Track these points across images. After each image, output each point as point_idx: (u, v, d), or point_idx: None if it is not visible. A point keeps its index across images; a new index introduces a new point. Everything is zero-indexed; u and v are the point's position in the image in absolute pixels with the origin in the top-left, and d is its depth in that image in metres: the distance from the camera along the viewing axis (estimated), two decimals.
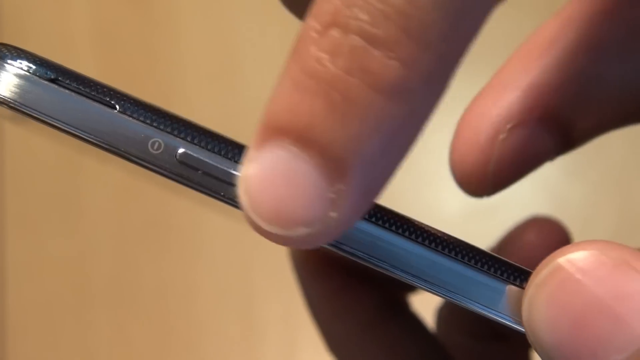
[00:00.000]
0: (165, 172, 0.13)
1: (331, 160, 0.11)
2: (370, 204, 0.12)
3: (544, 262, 0.12)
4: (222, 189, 0.13)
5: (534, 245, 0.21)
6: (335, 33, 0.11)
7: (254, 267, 0.46)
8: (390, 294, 0.21)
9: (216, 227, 0.46)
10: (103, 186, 0.47)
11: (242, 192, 0.12)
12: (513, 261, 0.14)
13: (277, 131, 0.11)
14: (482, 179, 0.19)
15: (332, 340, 0.21)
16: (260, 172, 0.11)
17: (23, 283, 0.47)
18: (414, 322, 0.22)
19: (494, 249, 0.22)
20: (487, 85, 0.20)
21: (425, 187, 0.46)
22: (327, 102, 0.11)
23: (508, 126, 0.19)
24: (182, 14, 0.49)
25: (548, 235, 0.22)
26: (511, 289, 0.13)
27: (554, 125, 0.19)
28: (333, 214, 0.11)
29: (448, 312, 0.23)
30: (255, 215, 0.12)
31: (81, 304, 0.47)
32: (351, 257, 0.13)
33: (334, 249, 0.13)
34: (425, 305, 0.22)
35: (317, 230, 0.11)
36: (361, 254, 0.13)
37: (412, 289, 0.22)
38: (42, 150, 0.48)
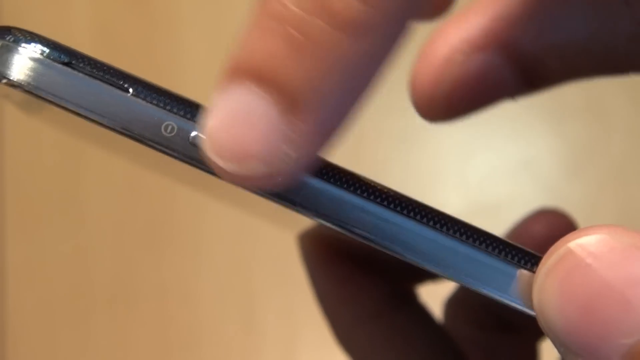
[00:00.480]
0: (178, 155, 0.13)
1: (288, 96, 0.11)
2: (327, 143, 0.12)
3: (555, 246, 0.12)
4: None
5: (541, 237, 0.21)
6: None
7: (254, 266, 0.46)
8: (398, 285, 0.21)
9: (216, 228, 0.46)
10: (103, 187, 0.47)
11: (205, 135, 0.12)
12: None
13: (238, 72, 0.12)
14: (435, 99, 0.19)
15: (339, 330, 0.21)
16: (221, 113, 0.12)
17: (23, 283, 0.47)
18: (422, 313, 0.22)
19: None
20: (452, 14, 0.20)
21: (426, 187, 0.46)
22: (286, 41, 0.11)
23: (466, 49, 0.19)
24: (182, 14, 0.49)
25: (556, 226, 0.22)
26: (522, 273, 0.13)
27: (515, 57, 0.19)
28: (289, 150, 0.12)
29: (456, 303, 0.23)
30: (214, 155, 0.12)
31: (81, 304, 0.47)
32: (363, 240, 0.13)
33: (346, 232, 0.13)
34: (433, 297, 0.22)
35: (273, 166, 0.12)
36: (373, 237, 0.13)
37: (420, 279, 0.22)
38: (42, 151, 0.48)
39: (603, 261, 0.12)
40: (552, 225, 0.22)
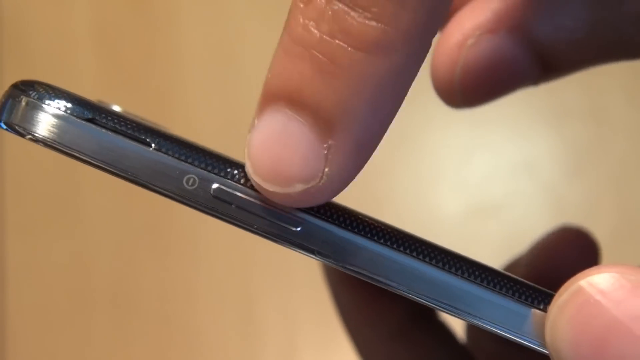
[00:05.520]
0: (200, 207, 0.13)
1: (321, 118, 0.12)
2: (363, 160, 0.13)
3: (566, 284, 0.13)
4: (255, 222, 0.13)
5: (563, 257, 0.21)
6: (318, 1, 0.12)
7: (254, 269, 0.46)
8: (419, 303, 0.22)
9: (216, 230, 0.46)
10: (102, 190, 0.47)
11: (246, 158, 0.13)
12: (541, 273, 0.14)
13: (272, 97, 0.12)
14: (451, 84, 0.20)
15: (361, 347, 0.22)
16: (259, 135, 0.12)
17: (23, 286, 0.47)
18: (443, 330, 0.22)
19: (523, 258, 0.22)
20: (469, 3, 0.21)
21: (425, 187, 0.46)
22: (313, 64, 0.12)
23: (477, 33, 0.20)
24: (182, 14, 0.49)
25: (577, 246, 0.22)
26: (535, 312, 0.14)
27: (526, 40, 0.20)
28: (327, 170, 0.12)
29: None
30: (257, 176, 0.12)
31: (80, 307, 0.47)
32: (374, 283, 0.14)
33: (356, 275, 0.13)
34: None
35: (313, 186, 0.12)
36: (385, 280, 0.13)
37: None
38: (41, 153, 0.48)
39: (612, 298, 0.12)
40: (575, 246, 0.22)
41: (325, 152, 0.12)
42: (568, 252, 0.21)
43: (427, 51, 0.12)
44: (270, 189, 0.12)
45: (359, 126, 0.12)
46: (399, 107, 0.13)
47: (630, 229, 0.45)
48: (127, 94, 0.47)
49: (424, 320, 0.21)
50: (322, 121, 0.12)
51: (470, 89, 0.20)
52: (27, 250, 0.47)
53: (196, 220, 0.47)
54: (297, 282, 0.44)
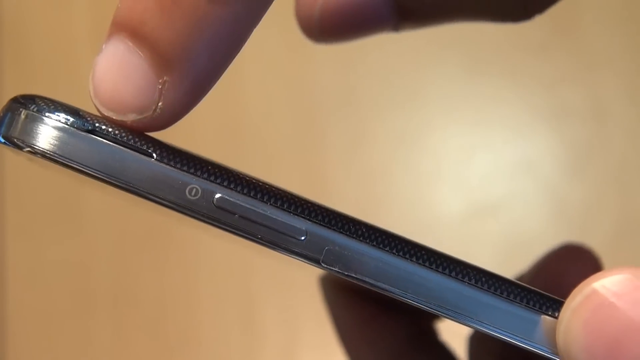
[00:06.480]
0: (202, 218, 0.13)
1: (158, 54, 0.12)
2: (196, 98, 0.13)
3: (579, 287, 0.12)
4: (259, 232, 0.13)
5: (566, 274, 0.21)
6: None
7: (254, 272, 0.46)
8: (420, 323, 0.21)
9: (216, 232, 0.46)
10: (103, 192, 0.47)
11: (89, 80, 0.13)
12: (544, 289, 0.14)
13: (118, 27, 0.13)
14: (311, 19, 0.21)
15: None
16: (102, 61, 0.13)
17: (23, 289, 0.47)
18: (443, 351, 0.22)
19: (525, 276, 0.22)
20: None
21: (425, 187, 0.46)
22: (157, 1, 0.12)
23: None
24: None
25: (580, 264, 0.22)
26: (546, 319, 0.13)
27: None
28: (160, 104, 0.13)
29: (479, 338, 0.23)
30: (97, 100, 0.13)
31: (81, 310, 0.47)
32: (385, 293, 0.13)
33: (354, 280, 0.13)
34: (456, 334, 0.22)
35: (146, 117, 0.13)
36: (395, 290, 0.13)
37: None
38: None
39: (627, 300, 0.12)
40: (577, 263, 0.22)
41: (160, 86, 0.13)
42: (569, 270, 0.21)
43: (268, 3, 0.13)
44: (107, 114, 0.13)
45: (194, 66, 0.13)
46: (235, 53, 0.13)
47: (630, 229, 0.45)
48: None
49: (424, 341, 0.21)
50: (159, 57, 0.12)
51: (328, 26, 0.21)
52: (27, 251, 0.47)
53: (197, 222, 0.47)
54: (298, 283, 0.44)
